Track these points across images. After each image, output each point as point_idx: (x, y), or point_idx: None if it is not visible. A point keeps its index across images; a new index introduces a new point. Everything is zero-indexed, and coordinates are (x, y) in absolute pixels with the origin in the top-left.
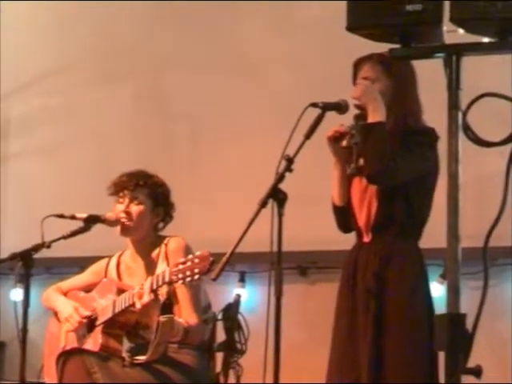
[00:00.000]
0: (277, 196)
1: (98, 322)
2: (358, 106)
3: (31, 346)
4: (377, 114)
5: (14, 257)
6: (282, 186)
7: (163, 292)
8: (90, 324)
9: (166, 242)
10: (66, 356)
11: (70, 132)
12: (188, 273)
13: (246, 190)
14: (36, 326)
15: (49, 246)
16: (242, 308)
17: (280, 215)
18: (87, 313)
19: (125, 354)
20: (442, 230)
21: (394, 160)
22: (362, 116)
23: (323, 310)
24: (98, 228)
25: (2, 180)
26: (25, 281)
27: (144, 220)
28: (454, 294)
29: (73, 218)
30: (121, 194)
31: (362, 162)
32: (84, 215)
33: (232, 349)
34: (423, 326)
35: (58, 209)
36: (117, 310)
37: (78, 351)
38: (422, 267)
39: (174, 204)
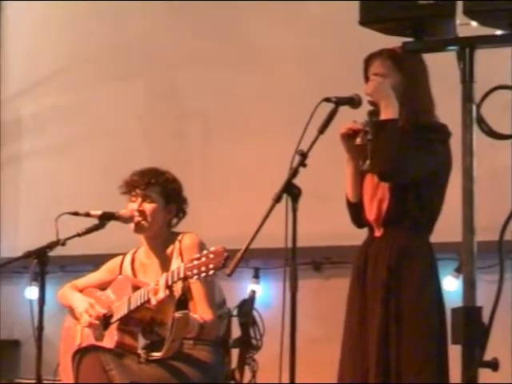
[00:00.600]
0: (291, 191)
1: (113, 319)
2: (371, 103)
3: (47, 343)
4: (389, 111)
5: (29, 255)
6: (296, 181)
7: (178, 288)
8: (105, 321)
9: (179, 238)
10: (81, 353)
11: (82, 130)
12: (203, 268)
13: (259, 187)
14: (51, 323)
15: (63, 244)
16: (257, 304)
17: (294, 210)
18: (103, 310)
19: (140, 351)
20: (457, 223)
21: (405, 157)
22: (375, 112)
23: (337, 305)
24: (112, 225)
25: (15, 179)
26: (40, 279)
27: (157, 217)
28: (469, 287)
29: (87, 215)
30: (133, 193)
31: None
32: (98, 212)
33: (247, 345)
34: (433, 321)
35: (71, 207)
36: (132, 307)
37: (94, 348)
38: (432, 262)
39: (186, 199)
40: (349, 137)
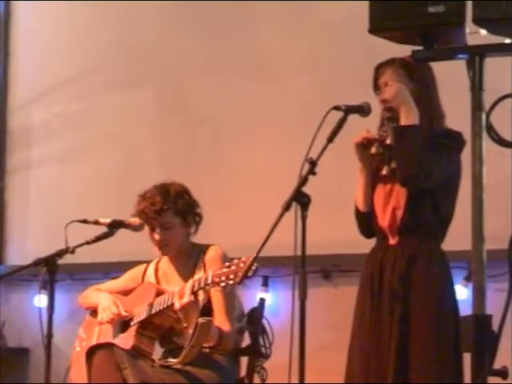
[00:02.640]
0: (300, 199)
1: (133, 322)
2: (388, 109)
3: (56, 351)
4: (411, 117)
5: (38, 262)
6: (305, 189)
7: (200, 299)
8: (124, 325)
9: (203, 249)
10: (95, 348)
11: (91, 138)
12: (231, 276)
13: (269, 194)
14: (60, 332)
15: (73, 252)
16: (266, 312)
17: (303, 218)
18: (125, 313)
19: (155, 357)
20: (465, 231)
21: (429, 164)
22: (393, 118)
23: (347, 314)
24: (121, 233)
25: (24, 187)
26: (49, 287)
27: (179, 237)
28: (479, 295)
29: (96, 223)
30: (149, 222)
31: (394, 164)
32: (108, 220)
33: (257, 353)
34: (450, 329)
35: (80, 215)
36: (154, 311)
37: (109, 344)
38: (448, 269)
39: (197, 202)
40: (363, 146)
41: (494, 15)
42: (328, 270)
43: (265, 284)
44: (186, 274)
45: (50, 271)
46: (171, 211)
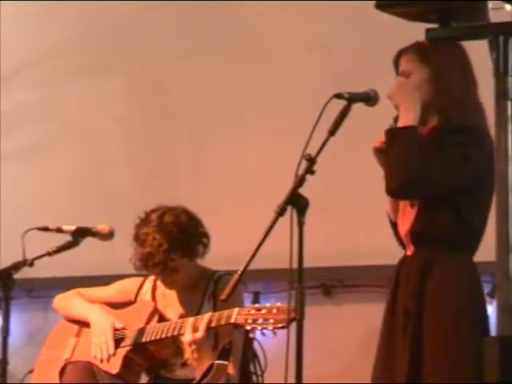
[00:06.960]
0: (296, 202)
1: (124, 343)
2: (396, 107)
3: (12, 381)
4: (408, 116)
5: None
6: (302, 191)
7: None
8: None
9: (213, 278)
10: (73, 365)
11: (53, 131)
12: (260, 321)
13: (260, 196)
14: (17, 357)
15: (31, 264)
16: (257, 334)
17: (300, 224)
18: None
19: None
20: (489, 240)
21: (426, 169)
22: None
23: (350, 335)
24: (88, 242)
25: None
26: (4, 305)
27: (188, 272)
28: (505, 313)
29: (59, 230)
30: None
31: None
32: (72, 228)
33: (247, 382)
34: (471, 353)
35: (40, 221)
36: (154, 337)
37: (88, 364)
38: (474, 284)
39: (200, 222)
40: (381, 151)
41: None
42: (329, 285)
43: (256, 301)
44: (191, 302)
45: (4, 287)
46: (179, 255)
